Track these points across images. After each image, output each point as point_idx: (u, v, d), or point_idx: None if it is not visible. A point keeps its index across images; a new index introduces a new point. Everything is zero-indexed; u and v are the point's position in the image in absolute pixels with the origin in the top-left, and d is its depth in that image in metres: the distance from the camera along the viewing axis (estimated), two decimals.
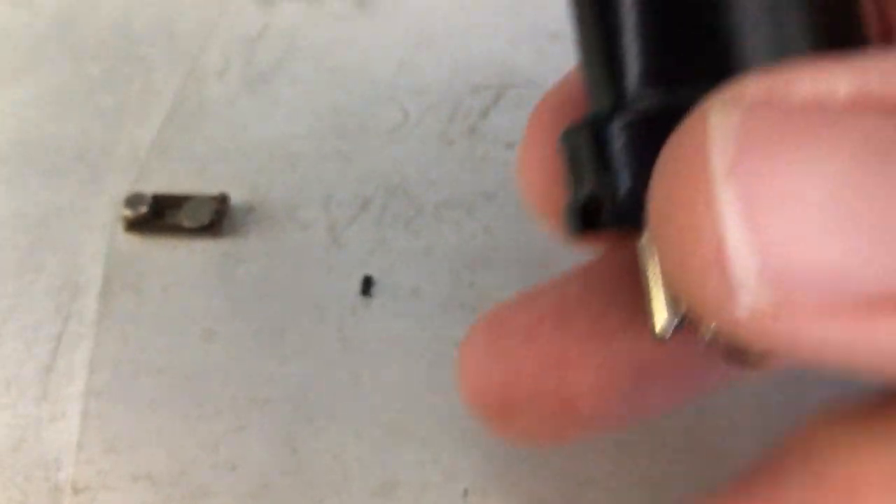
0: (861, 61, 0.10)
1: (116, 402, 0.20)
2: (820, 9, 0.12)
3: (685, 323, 0.12)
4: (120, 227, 0.22)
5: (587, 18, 0.13)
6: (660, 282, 0.12)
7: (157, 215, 0.22)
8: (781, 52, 0.12)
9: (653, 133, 0.11)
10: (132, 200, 0.22)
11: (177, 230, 0.22)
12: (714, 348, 0.12)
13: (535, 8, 0.25)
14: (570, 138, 0.13)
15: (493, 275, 0.21)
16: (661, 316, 0.12)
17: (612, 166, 0.12)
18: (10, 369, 0.21)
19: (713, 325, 0.11)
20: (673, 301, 0.12)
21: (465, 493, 0.19)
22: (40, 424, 0.20)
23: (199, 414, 0.20)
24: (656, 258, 0.12)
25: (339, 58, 0.25)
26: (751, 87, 0.10)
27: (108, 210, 0.23)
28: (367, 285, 0.21)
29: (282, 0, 0.26)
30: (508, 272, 0.21)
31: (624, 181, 0.12)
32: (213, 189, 0.23)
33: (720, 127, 0.10)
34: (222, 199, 0.22)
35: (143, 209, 0.22)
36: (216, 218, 0.22)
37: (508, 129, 0.23)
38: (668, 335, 0.12)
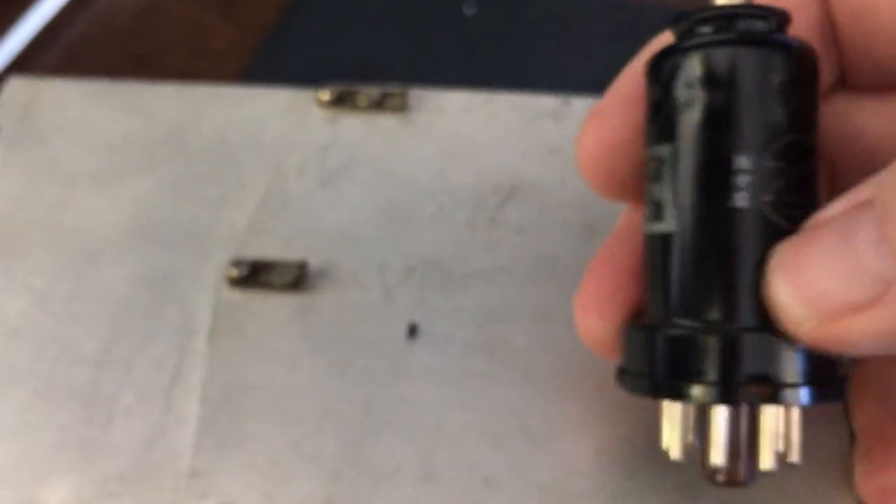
0: (839, 199, 0.18)
1: (224, 412, 0.26)
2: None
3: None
4: (225, 285, 0.29)
5: (648, 264, 0.21)
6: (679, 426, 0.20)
7: (253, 275, 0.29)
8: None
9: (678, 346, 0.20)
10: (236, 263, 0.29)
11: (269, 287, 0.29)
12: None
13: (540, 130, 0.32)
14: (630, 332, 0.22)
15: (506, 326, 0.28)
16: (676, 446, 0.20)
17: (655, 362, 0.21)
18: (142, 388, 0.27)
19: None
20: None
21: (485, 480, 0.25)
22: (166, 428, 0.26)
23: (287, 421, 0.26)
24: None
25: (389, 164, 0.32)
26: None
27: (214, 273, 0.29)
28: (413, 331, 0.28)
29: (345, 119, 0.34)
30: (517, 325, 0.28)
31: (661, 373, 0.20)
32: (295, 258, 0.29)
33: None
34: (303, 266, 0.29)
35: (244, 270, 0.29)
36: (298, 279, 0.29)
37: (519, 219, 0.30)
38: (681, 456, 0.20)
